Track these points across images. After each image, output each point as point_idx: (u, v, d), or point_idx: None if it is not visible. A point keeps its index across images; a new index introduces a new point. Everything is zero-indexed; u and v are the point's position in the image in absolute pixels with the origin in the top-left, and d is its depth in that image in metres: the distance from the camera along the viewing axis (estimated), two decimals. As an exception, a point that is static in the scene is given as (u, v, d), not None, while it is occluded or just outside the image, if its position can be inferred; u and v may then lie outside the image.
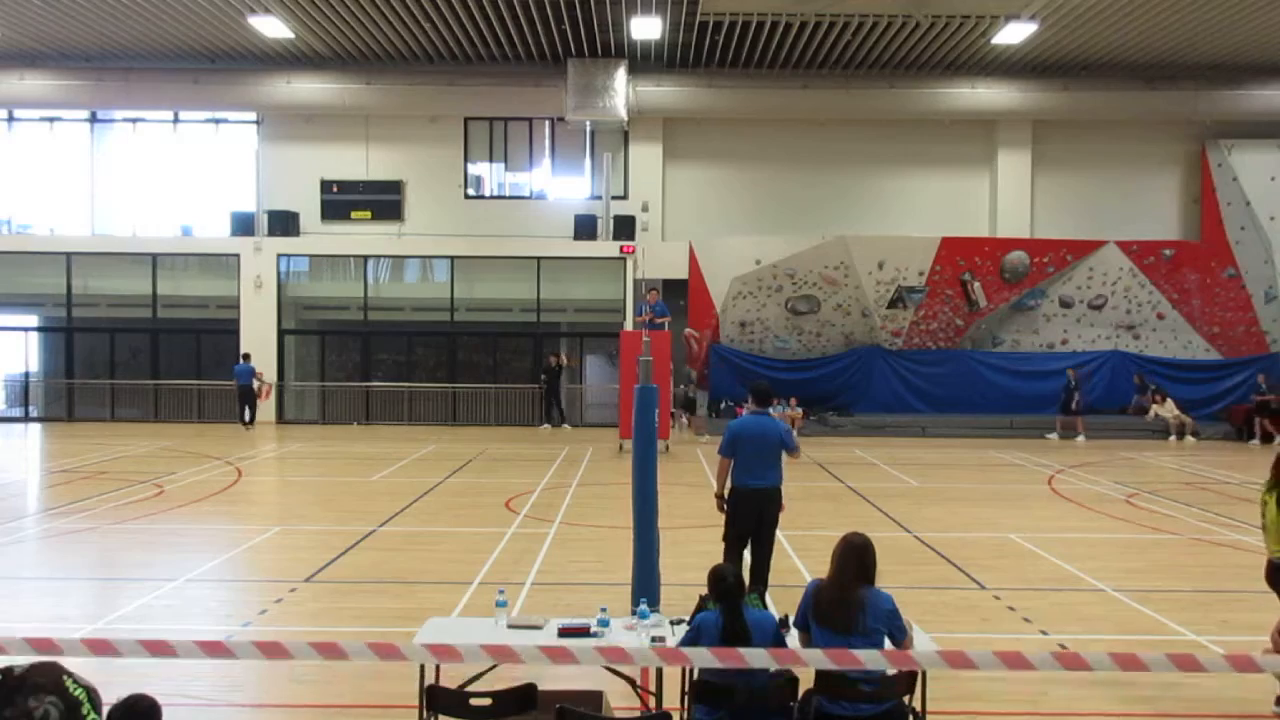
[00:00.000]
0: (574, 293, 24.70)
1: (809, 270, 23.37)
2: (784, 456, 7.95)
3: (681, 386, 21.54)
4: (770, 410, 8.26)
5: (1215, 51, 21.62)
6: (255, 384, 22.57)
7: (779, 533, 9.78)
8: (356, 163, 24.43)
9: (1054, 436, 21.64)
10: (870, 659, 3.88)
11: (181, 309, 24.38)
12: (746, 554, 8.11)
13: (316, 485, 14.97)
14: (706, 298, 23.58)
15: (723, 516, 8.02)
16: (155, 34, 21.14)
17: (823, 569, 5.12)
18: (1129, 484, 15.12)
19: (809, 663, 4.22)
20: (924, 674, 4.87)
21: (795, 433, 21.71)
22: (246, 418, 22.38)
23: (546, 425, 23.13)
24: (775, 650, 4.29)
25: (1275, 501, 5.93)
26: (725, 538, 7.92)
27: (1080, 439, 21.48)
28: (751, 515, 7.83)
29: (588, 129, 24.49)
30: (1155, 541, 11.10)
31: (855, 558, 4.86)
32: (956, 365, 23.51)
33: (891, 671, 4.81)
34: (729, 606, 4.74)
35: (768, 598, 7.40)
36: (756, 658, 4.04)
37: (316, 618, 7.85)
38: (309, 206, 24.14)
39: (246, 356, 22.82)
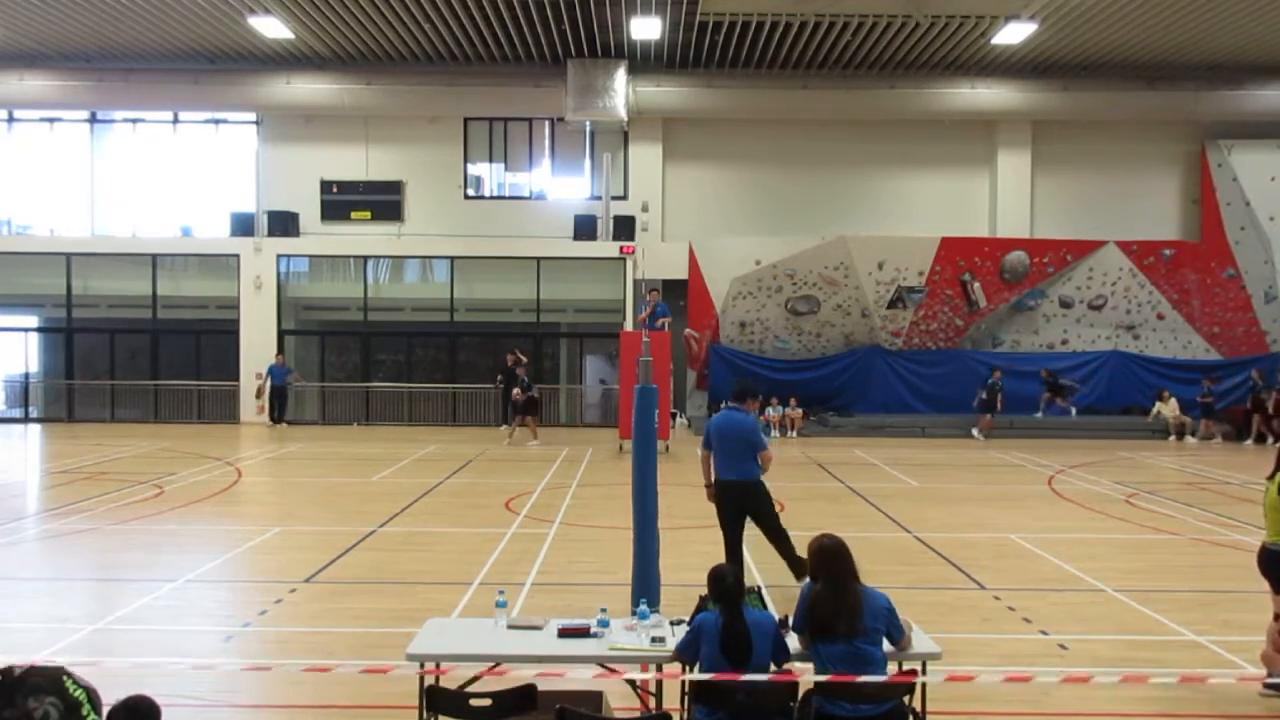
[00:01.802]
0: (574, 293, 24.69)
1: (809, 270, 23.38)
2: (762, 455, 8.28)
3: (516, 389, 20.18)
4: (748, 408, 8.50)
5: (1215, 52, 21.62)
6: (283, 382, 23.24)
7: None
8: (356, 163, 24.43)
9: (980, 435, 21.61)
10: (871, 681, 3.92)
11: (181, 309, 24.38)
12: (747, 554, 8.26)
13: (316, 486, 14.96)
14: (706, 298, 23.59)
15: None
16: (155, 34, 21.14)
17: (823, 569, 5.11)
18: (1129, 484, 15.11)
19: (808, 684, 4.26)
20: (924, 674, 4.87)
21: (795, 432, 21.81)
22: (276, 415, 22.97)
23: (505, 426, 21.85)
24: (775, 677, 4.33)
25: (1276, 488, 5.99)
26: (722, 532, 8.44)
27: (981, 436, 21.63)
28: (729, 506, 8.31)
29: (587, 129, 24.50)
30: (1155, 541, 11.10)
31: (836, 558, 4.87)
32: (956, 365, 23.49)
33: (891, 671, 4.82)
34: (728, 607, 4.74)
35: (766, 598, 7.40)
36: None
37: (316, 618, 7.85)
38: (309, 207, 24.14)
39: (282, 358, 23.25)
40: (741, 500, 8.25)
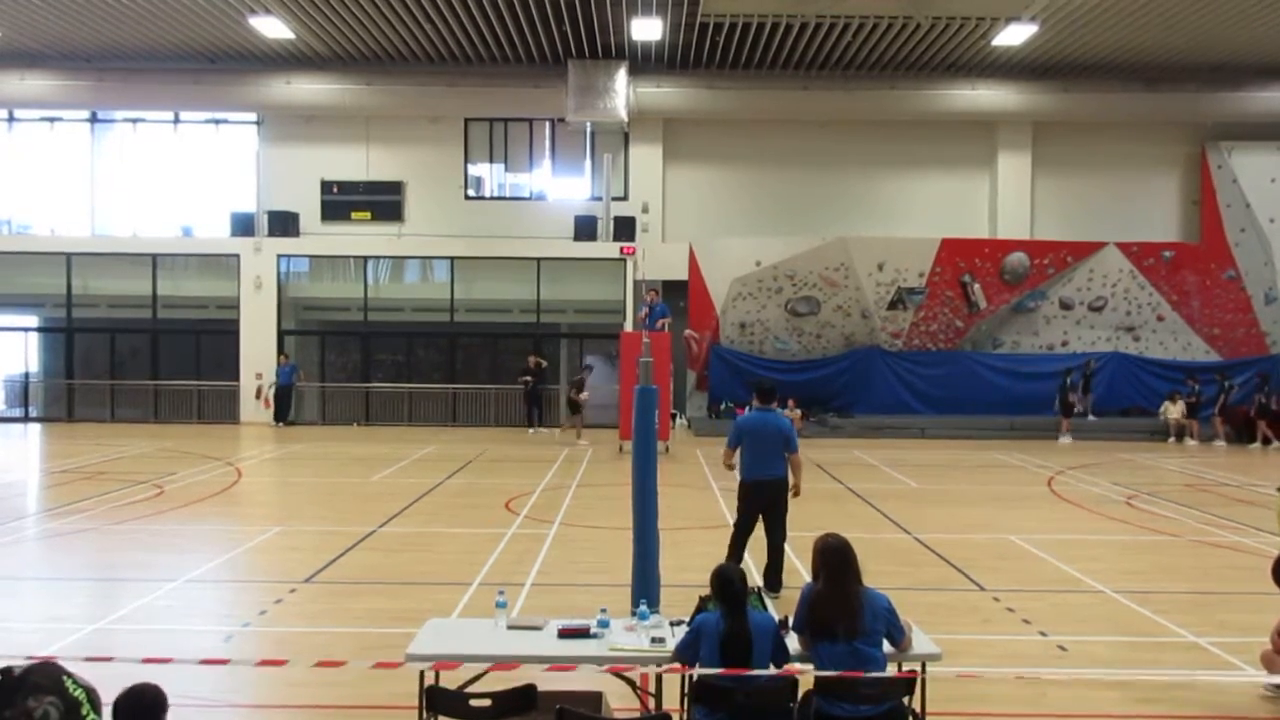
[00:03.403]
0: (574, 294, 24.70)
1: (809, 271, 23.40)
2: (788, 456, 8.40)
3: (582, 392, 20.36)
4: (776, 407, 8.67)
5: (1215, 53, 21.63)
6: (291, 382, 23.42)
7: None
8: (357, 163, 24.44)
9: (1067, 438, 21.56)
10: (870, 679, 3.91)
11: (181, 309, 24.39)
12: (748, 555, 8.33)
13: (316, 486, 14.96)
14: (707, 299, 23.59)
15: (727, 504, 8.50)
16: (156, 34, 21.15)
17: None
18: (1128, 485, 15.11)
19: (808, 684, 4.25)
20: (924, 675, 4.87)
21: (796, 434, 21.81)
22: (279, 415, 23.08)
23: (531, 430, 22.23)
24: (778, 673, 4.34)
25: None
26: (735, 525, 8.57)
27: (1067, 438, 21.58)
28: (755, 504, 8.40)
29: (588, 130, 24.50)
30: (1155, 543, 11.10)
31: (838, 558, 4.87)
32: (956, 367, 23.50)
33: (891, 672, 4.82)
34: (734, 609, 4.72)
35: (766, 598, 7.41)
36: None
37: (316, 618, 7.85)
38: (309, 207, 24.15)
39: (286, 357, 23.32)
40: (771, 498, 8.34)
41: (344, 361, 25.43)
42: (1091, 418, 22.57)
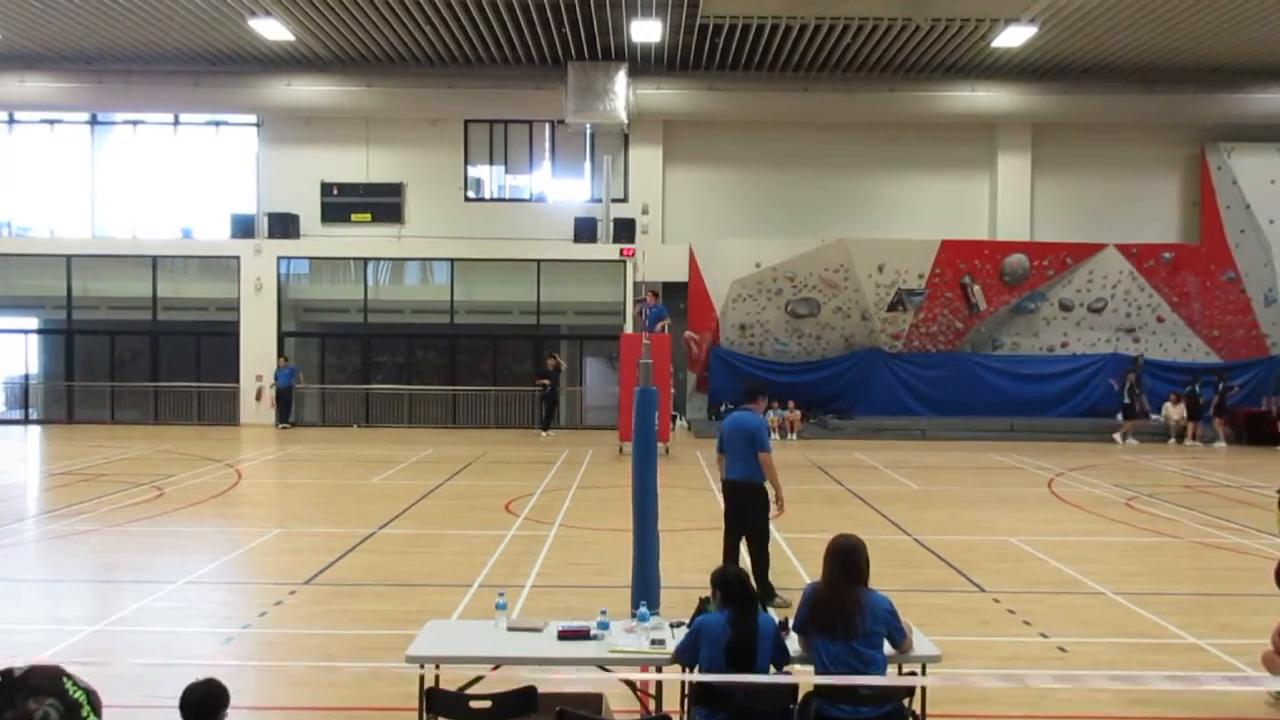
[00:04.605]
0: (574, 295, 24.68)
1: (809, 273, 23.40)
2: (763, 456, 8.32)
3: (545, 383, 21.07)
4: (755, 408, 8.63)
5: (1215, 55, 21.63)
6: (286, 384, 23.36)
7: (778, 535, 9.78)
8: (357, 165, 24.44)
9: (1124, 440, 21.40)
10: (871, 682, 3.90)
11: (181, 311, 24.38)
12: (744, 554, 8.31)
13: (316, 488, 14.96)
14: (706, 300, 23.60)
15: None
16: (156, 36, 21.16)
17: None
18: (1128, 487, 15.11)
19: (810, 683, 4.24)
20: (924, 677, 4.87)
21: (794, 434, 21.83)
22: (281, 417, 23.10)
23: (543, 432, 22.48)
24: (777, 677, 4.32)
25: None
26: (724, 529, 8.55)
27: (1124, 440, 21.41)
28: (730, 505, 8.41)
29: (588, 132, 24.51)
30: (1155, 544, 11.10)
31: (842, 558, 4.86)
32: (956, 368, 23.49)
33: (891, 674, 4.82)
34: (744, 610, 4.72)
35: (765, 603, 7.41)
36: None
37: (315, 620, 7.85)
38: (309, 209, 24.14)
39: (286, 360, 23.35)
40: (742, 499, 8.28)
41: (344, 363, 25.43)
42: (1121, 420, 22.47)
